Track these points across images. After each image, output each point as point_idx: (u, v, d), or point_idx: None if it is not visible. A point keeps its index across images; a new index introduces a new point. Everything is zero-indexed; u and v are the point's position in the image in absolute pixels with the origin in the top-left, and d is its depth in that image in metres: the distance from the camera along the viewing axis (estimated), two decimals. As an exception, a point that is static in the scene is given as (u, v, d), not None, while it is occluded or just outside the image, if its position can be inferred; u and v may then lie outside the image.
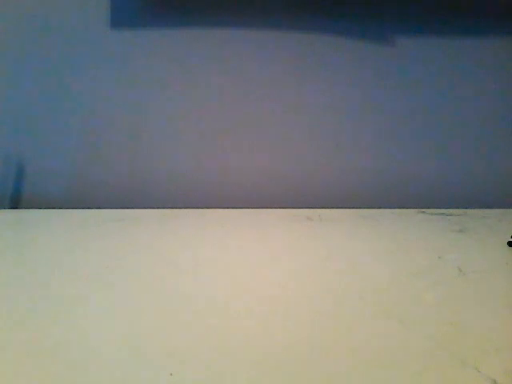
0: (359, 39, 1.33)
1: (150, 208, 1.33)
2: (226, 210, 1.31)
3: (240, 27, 1.32)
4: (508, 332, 0.54)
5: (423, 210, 1.31)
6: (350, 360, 0.47)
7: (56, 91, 1.33)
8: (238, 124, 1.35)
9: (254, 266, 0.80)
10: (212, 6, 1.31)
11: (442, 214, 1.25)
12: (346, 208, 1.33)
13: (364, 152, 1.36)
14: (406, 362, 0.46)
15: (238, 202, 1.34)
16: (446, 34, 1.33)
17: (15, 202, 1.35)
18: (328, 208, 1.33)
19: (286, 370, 0.45)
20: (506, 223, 1.14)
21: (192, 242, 0.98)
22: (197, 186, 1.36)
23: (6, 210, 1.32)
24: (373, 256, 0.86)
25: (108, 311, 0.60)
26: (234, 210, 1.31)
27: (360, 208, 1.32)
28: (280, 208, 1.32)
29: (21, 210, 1.33)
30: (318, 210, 1.29)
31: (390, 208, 1.33)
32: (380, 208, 1.33)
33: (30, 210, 1.32)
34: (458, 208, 1.32)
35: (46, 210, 1.31)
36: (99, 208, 1.32)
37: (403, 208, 1.33)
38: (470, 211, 1.29)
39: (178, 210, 1.31)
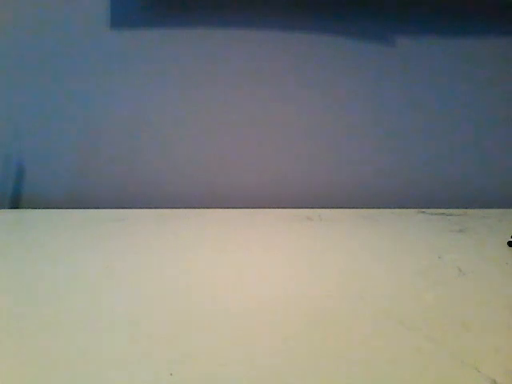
0: (359, 39, 1.33)
1: (150, 208, 1.33)
2: (226, 209, 1.31)
3: (240, 27, 1.32)
4: (508, 332, 0.54)
5: (423, 210, 1.31)
6: (349, 360, 0.47)
7: (56, 91, 1.33)
8: (238, 124, 1.35)
9: (253, 265, 0.80)
10: (212, 6, 1.31)
11: (442, 214, 1.25)
12: (345, 208, 1.33)
13: (364, 152, 1.36)
14: (406, 362, 0.46)
15: (238, 201, 1.34)
16: (446, 34, 1.33)
17: (15, 202, 1.35)
18: (328, 208, 1.33)
19: (285, 369, 0.45)
20: (506, 223, 1.14)
21: (192, 241, 0.98)
22: (197, 186, 1.36)
23: (6, 210, 1.32)
24: (373, 256, 0.86)
25: (108, 311, 0.60)
26: (234, 209, 1.31)
27: (360, 208, 1.32)
28: (280, 208, 1.32)
29: (21, 210, 1.33)
30: (318, 210, 1.29)
31: (390, 208, 1.33)
32: (380, 208, 1.33)
33: (30, 210, 1.32)
34: (458, 208, 1.32)
35: (45, 209, 1.31)
36: (99, 208, 1.32)
37: (403, 208, 1.33)
38: (470, 211, 1.29)
39: (177, 209, 1.31)
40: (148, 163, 1.35)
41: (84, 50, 1.32)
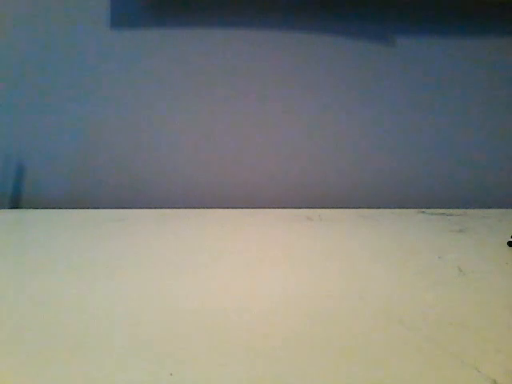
0: (359, 39, 1.33)
1: (150, 208, 1.33)
2: (226, 209, 1.31)
3: (240, 27, 1.32)
4: (508, 332, 0.54)
5: (423, 210, 1.31)
6: (349, 360, 0.47)
7: (56, 91, 1.33)
8: (238, 124, 1.35)
9: (253, 265, 0.80)
10: (212, 6, 1.31)
11: (442, 214, 1.25)
12: (345, 208, 1.33)
13: (364, 152, 1.36)
14: (406, 361, 0.46)
15: (238, 201, 1.34)
16: (446, 33, 1.33)
17: (15, 202, 1.35)
18: (328, 208, 1.33)
19: (285, 369, 0.45)
20: (506, 223, 1.14)
21: (192, 241, 0.98)
22: (197, 186, 1.36)
23: (6, 210, 1.32)
24: (373, 256, 0.86)
25: (108, 311, 0.60)
26: (234, 209, 1.31)
27: (360, 208, 1.32)
28: (280, 208, 1.32)
29: (21, 209, 1.34)
30: (318, 210, 1.29)
31: (390, 208, 1.33)
32: (380, 208, 1.33)
33: (30, 210, 1.32)
34: (458, 208, 1.32)
35: (45, 209, 1.31)
36: (99, 208, 1.32)
37: (403, 208, 1.33)
38: (470, 211, 1.29)
39: (177, 209, 1.31)
40: (148, 163, 1.35)
41: (84, 50, 1.32)
